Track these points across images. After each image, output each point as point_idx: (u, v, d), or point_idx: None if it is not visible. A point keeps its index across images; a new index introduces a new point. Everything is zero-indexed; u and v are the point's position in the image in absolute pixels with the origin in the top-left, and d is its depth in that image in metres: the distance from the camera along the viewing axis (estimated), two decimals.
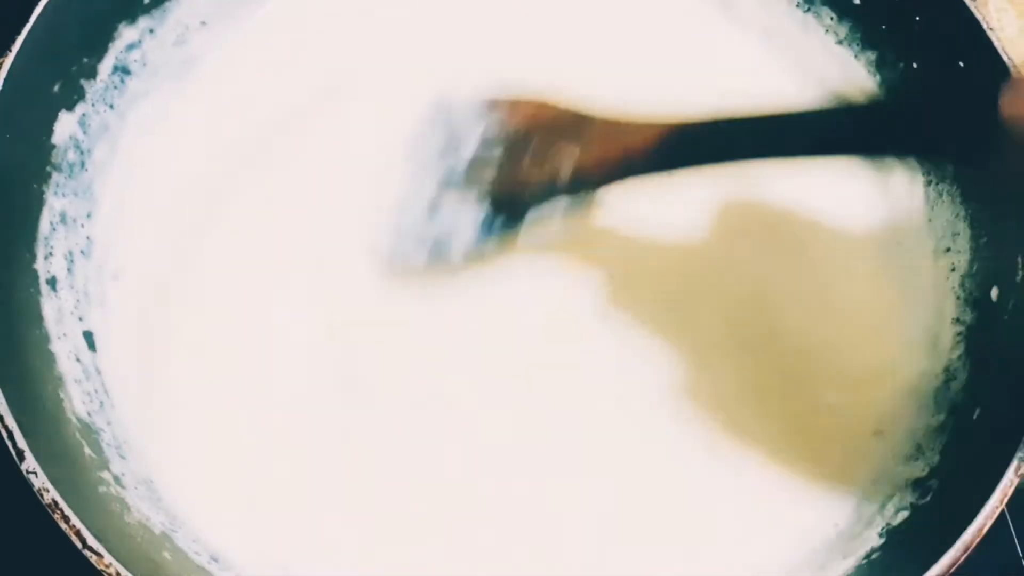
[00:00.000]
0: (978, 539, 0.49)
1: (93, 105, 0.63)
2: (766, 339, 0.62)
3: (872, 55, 0.68)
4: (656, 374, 0.61)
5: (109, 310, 0.61)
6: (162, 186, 0.65)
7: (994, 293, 0.59)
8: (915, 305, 0.63)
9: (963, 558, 0.49)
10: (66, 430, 0.54)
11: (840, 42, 0.69)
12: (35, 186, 0.59)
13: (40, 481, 0.49)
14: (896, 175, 0.66)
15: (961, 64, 0.60)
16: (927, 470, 0.57)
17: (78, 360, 0.58)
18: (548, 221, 0.61)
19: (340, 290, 0.62)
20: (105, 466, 0.55)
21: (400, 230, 0.63)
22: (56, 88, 0.60)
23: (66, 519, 0.48)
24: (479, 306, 0.62)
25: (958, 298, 0.61)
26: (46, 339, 0.57)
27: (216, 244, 0.63)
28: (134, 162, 0.65)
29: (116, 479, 0.55)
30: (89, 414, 0.57)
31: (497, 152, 0.61)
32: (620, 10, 0.71)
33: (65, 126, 0.61)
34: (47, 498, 0.48)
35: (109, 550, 0.48)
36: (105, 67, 0.64)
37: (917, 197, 0.65)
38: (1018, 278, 0.57)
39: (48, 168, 0.60)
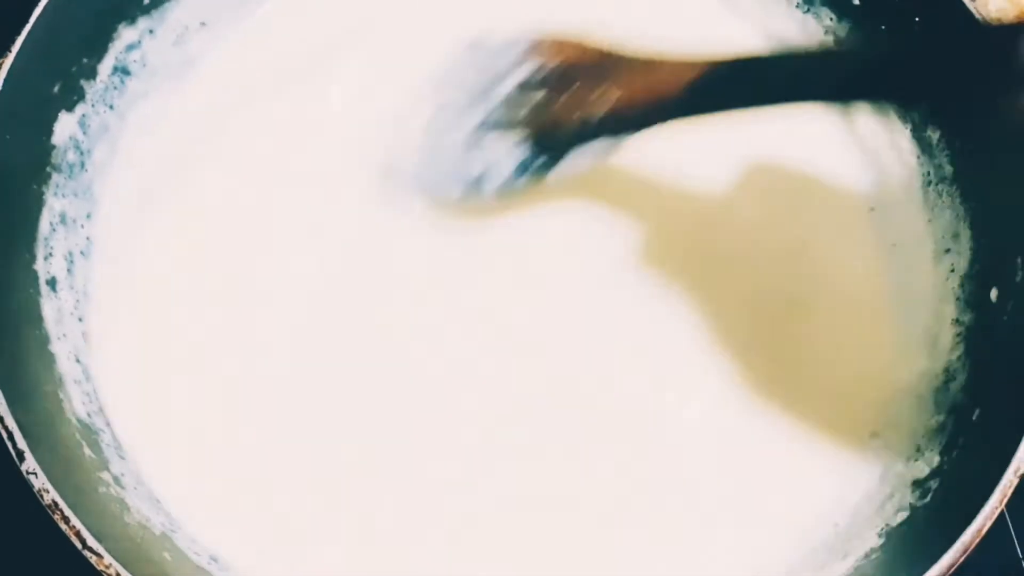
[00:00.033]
0: (977, 539, 0.49)
1: (93, 106, 0.63)
2: (784, 313, 0.63)
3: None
4: (676, 327, 0.61)
5: (109, 311, 0.61)
6: (162, 187, 0.65)
7: (994, 294, 0.59)
8: (915, 306, 0.63)
9: (962, 559, 0.49)
10: (66, 431, 0.54)
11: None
12: (35, 187, 0.59)
13: (40, 482, 0.49)
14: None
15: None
16: (926, 470, 0.57)
17: (78, 361, 0.58)
18: (582, 163, 0.61)
19: (354, 255, 0.63)
20: (105, 467, 0.55)
21: (436, 167, 0.63)
22: (56, 89, 0.60)
23: (66, 520, 0.48)
24: (506, 246, 0.63)
25: (958, 299, 0.61)
26: (46, 340, 0.57)
27: (217, 244, 0.63)
28: (134, 162, 0.65)
29: (116, 479, 0.55)
30: (89, 415, 0.57)
31: (533, 92, 0.61)
32: None
33: (65, 127, 0.61)
34: (47, 499, 0.48)
35: (109, 550, 0.48)
36: (105, 68, 0.64)
37: (914, 192, 0.66)
38: (1018, 279, 0.57)
39: (48, 169, 0.60)
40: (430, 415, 0.59)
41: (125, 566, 0.48)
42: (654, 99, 0.58)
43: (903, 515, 0.56)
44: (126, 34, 0.64)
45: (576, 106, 0.60)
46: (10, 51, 0.56)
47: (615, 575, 0.57)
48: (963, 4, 0.59)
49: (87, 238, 0.62)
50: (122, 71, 0.65)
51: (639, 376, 0.61)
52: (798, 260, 0.64)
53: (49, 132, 0.60)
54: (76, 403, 0.56)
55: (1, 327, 0.54)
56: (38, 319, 0.57)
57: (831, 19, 0.69)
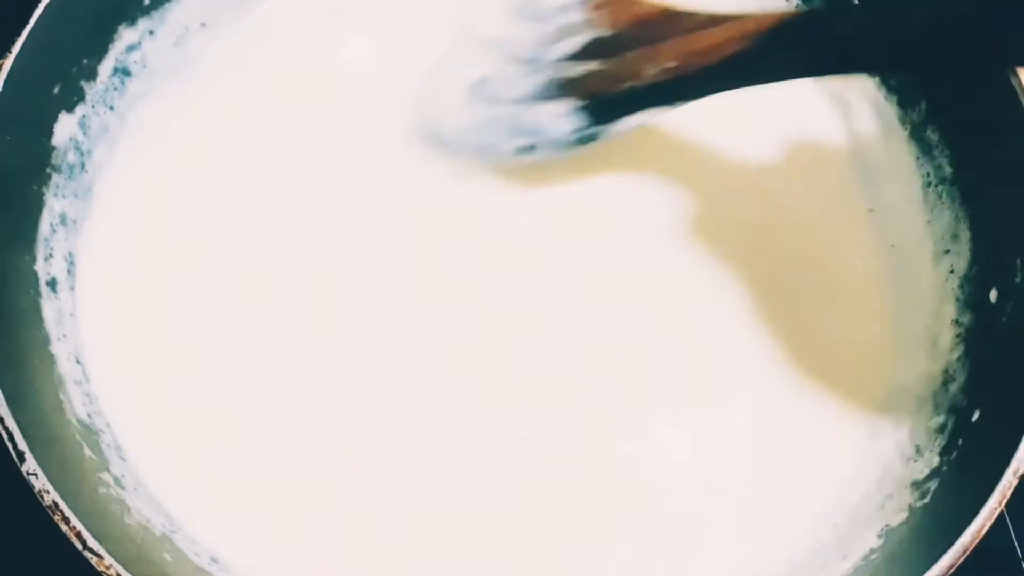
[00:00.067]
0: (977, 541, 0.49)
1: (93, 106, 0.63)
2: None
3: None
4: (716, 298, 0.62)
5: (110, 311, 0.61)
6: (162, 187, 0.65)
7: (993, 295, 0.59)
8: (914, 307, 0.63)
9: (962, 560, 0.49)
10: (66, 432, 0.54)
11: None
12: (35, 187, 0.59)
13: (41, 483, 0.49)
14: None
15: None
16: (926, 471, 0.57)
17: (78, 362, 0.58)
18: (633, 126, 0.60)
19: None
20: (105, 467, 0.55)
21: (484, 125, 0.63)
22: (56, 89, 0.60)
23: (66, 520, 0.48)
24: (550, 206, 0.63)
25: (957, 300, 0.61)
26: (46, 341, 0.57)
27: (217, 244, 0.63)
28: (134, 163, 0.65)
29: (116, 480, 0.55)
30: (89, 415, 0.57)
31: (585, 56, 0.60)
32: None
33: (65, 127, 0.61)
34: (48, 500, 0.48)
35: (109, 551, 0.48)
36: (105, 68, 0.64)
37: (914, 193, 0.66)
38: (1017, 280, 0.57)
39: (48, 169, 0.60)
40: (430, 415, 0.59)
41: (125, 567, 0.48)
42: (712, 60, 0.55)
43: (902, 516, 0.56)
44: (126, 35, 0.64)
45: (629, 73, 0.58)
46: (10, 52, 0.56)
47: (615, 574, 0.57)
48: None
49: (87, 239, 0.62)
50: (122, 72, 0.65)
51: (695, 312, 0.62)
52: (798, 260, 0.64)
53: (49, 133, 0.60)
54: (76, 404, 0.56)
55: (1, 328, 0.54)
56: (38, 320, 0.57)
57: None
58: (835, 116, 0.69)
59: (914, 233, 0.64)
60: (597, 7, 0.60)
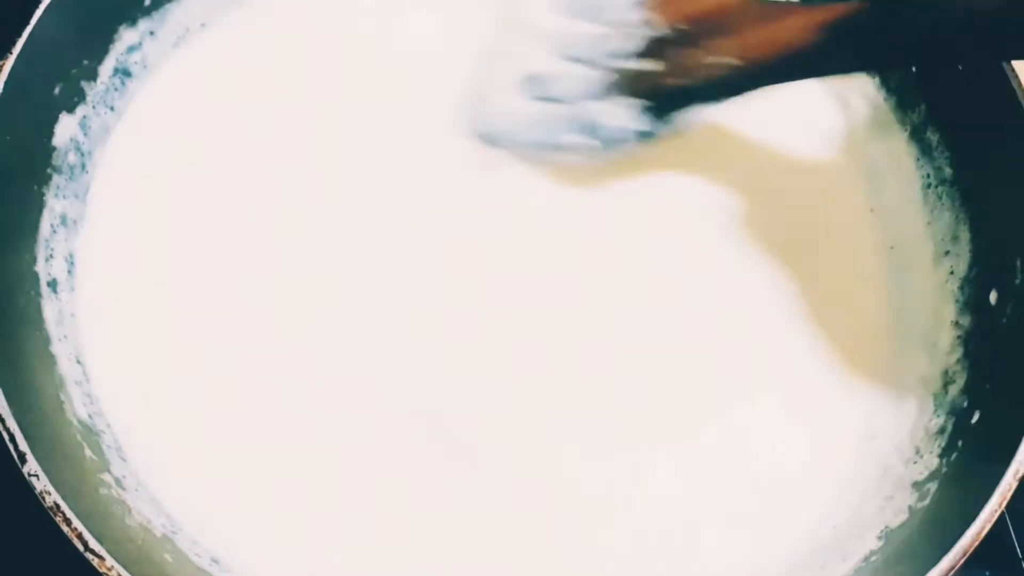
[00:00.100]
0: (977, 542, 0.49)
1: (94, 107, 0.63)
2: None
3: None
4: (712, 299, 0.62)
5: (110, 311, 0.61)
6: (162, 187, 0.65)
7: (993, 297, 0.59)
8: (914, 308, 0.63)
9: (962, 561, 0.49)
10: (67, 432, 0.54)
11: None
12: (35, 188, 0.59)
13: (42, 484, 0.49)
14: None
15: None
16: (926, 473, 0.57)
17: (79, 362, 0.58)
18: (691, 122, 0.61)
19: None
20: (106, 468, 0.55)
21: (540, 121, 0.63)
22: (57, 90, 0.60)
23: (68, 522, 0.48)
24: (608, 198, 0.64)
25: (957, 301, 0.61)
26: (47, 341, 0.57)
27: (217, 245, 0.63)
28: (134, 163, 0.65)
29: (117, 481, 0.55)
30: (90, 416, 0.57)
31: (646, 51, 0.59)
32: None
33: (66, 128, 0.61)
34: (49, 501, 0.48)
35: (111, 552, 0.48)
36: (106, 69, 0.64)
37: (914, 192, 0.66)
38: (1017, 282, 0.57)
39: (49, 170, 0.60)
40: (432, 415, 0.59)
41: (127, 568, 0.48)
42: (779, 55, 0.54)
43: (902, 517, 0.56)
44: (127, 36, 0.64)
45: (688, 70, 0.58)
46: (11, 52, 0.56)
47: (616, 574, 0.57)
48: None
49: (88, 239, 0.62)
50: (123, 73, 0.65)
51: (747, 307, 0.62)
52: (798, 260, 0.64)
53: (50, 133, 0.60)
54: (77, 404, 0.56)
55: (2, 329, 0.54)
56: (39, 321, 0.57)
57: None
58: (835, 116, 0.69)
59: (914, 234, 0.64)
60: (654, 7, 0.59)
